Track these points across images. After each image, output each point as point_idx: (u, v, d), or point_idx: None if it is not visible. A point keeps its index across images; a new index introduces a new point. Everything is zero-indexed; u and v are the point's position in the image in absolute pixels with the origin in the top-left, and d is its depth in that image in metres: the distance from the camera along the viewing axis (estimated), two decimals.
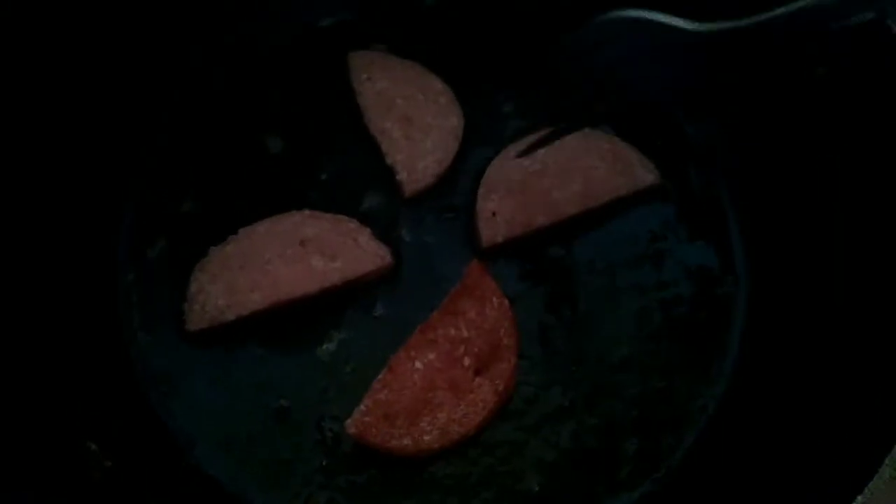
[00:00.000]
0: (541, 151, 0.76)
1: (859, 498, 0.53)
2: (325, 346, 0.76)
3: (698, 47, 0.58)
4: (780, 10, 0.54)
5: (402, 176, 0.82)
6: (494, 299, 0.76)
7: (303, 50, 0.90)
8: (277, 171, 0.84)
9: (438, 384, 0.72)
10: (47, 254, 0.74)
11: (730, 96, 0.83)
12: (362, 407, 0.71)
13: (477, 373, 0.73)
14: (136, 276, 0.79)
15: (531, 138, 0.76)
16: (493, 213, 0.79)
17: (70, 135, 0.77)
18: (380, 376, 0.72)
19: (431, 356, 0.73)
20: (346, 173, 0.84)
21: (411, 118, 0.84)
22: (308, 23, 0.91)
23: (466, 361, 0.73)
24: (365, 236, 0.79)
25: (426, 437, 0.70)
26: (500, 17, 0.91)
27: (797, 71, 0.75)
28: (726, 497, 0.68)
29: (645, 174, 0.82)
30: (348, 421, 0.70)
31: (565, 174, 0.81)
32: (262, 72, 0.89)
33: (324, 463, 0.72)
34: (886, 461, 0.53)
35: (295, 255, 0.77)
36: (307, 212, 0.80)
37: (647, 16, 0.59)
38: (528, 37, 0.90)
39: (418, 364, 0.73)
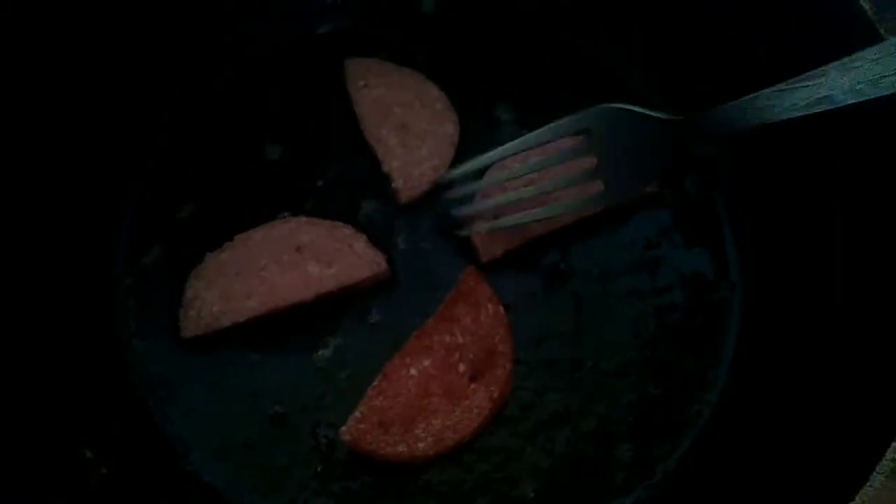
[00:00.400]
0: (534, 158, 0.77)
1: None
2: (320, 353, 0.76)
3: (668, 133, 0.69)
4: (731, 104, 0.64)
5: (397, 183, 0.82)
6: (489, 306, 0.76)
7: (301, 57, 0.90)
8: (274, 178, 0.84)
9: (433, 390, 0.72)
10: (44, 260, 0.74)
11: None
12: (357, 414, 0.71)
13: (472, 379, 0.73)
14: (133, 282, 0.80)
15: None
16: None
17: (67, 141, 0.78)
18: (375, 383, 0.72)
19: (426, 362, 0.73)
20: (342, 180, 0.84)
21: (407, 125, 0.84)
22: (306, 30, 0.91)
23: (461, 368, 0.73)
24: (360, 243, 0.79)
25: (421, 444, 0.70)
26: (496, 24, 0.92)
27: None
28: (721, 503, 0.68)
29: None
30: (343, 428, 0.70)
31: None
32: (260, 79, 0.89)
33: (319, 469, 0.72)
34: (877, 468, 0.53)
35: (291, 261, 0.77)
36: (303, 218, 0.80)
37: (630, 107, 0.70)
38: (523, 44, 0.91)
39: (413, 370, 0.73)
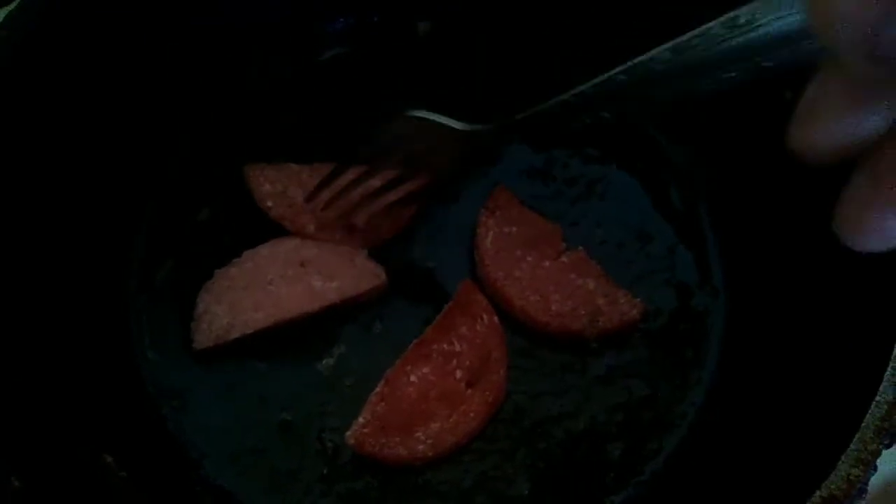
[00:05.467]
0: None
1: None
2: (325, 362, 0.79)
3: (468, 141, 0.73)
4: (534, 109, 0.67)
5: None
6: (485, 315, 0.79)
7: (302, 82, 0.94)
8: None
9: (432, 396, 0.75)
10: (60, 280, 0.76)
11: (706, 123, 0.87)
12: (361, 419, 0.74)
13: (469, 384, 0.76)
14: (146, 298, 0.83)
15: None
16: None
17: (81, 165, 0.80)
18: (377, 389, 0.75)
19: (426, 369, 0.76)
20: None
21: None
22: (307, 58, 0.95)
23: (459, 374, 0.76)
24: (361, 257, 0.82)
25: (420, 447, 0.73)
26: (491, 44, 0.95)
27: (766, 96, 0.79)
28: (706, 498, 0.71)
29: None
30: (348, 433, 0.73)
31: None
32: (262, 105, 0.93)
33: (325, 472, 0.75)
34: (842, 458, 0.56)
35: (295, 275, 0.80)
36: None
37: (428, 116, 0.73)
38: (514, 65, 0.94)
39: (413, 377, 0.76)
